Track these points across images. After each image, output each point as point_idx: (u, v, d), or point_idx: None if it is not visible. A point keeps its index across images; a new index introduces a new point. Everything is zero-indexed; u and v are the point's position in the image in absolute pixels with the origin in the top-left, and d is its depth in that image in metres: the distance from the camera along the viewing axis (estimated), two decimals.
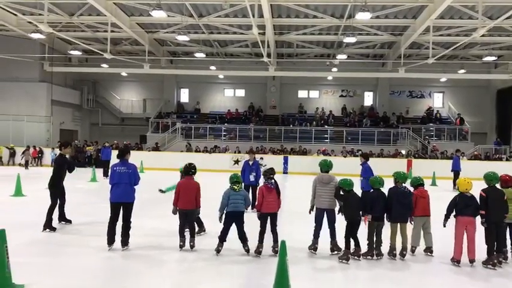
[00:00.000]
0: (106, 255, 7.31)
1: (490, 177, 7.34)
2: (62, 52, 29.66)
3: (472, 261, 7.18)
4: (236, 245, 7.48)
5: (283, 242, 5.46)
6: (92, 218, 10.32)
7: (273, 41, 25.91)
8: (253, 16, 18.91)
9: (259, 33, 20.96)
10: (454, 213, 7.31)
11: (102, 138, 28.42)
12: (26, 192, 13.79)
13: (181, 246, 7.59)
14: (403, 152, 27.34)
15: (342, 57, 27.50)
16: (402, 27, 24.25)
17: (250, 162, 12.12)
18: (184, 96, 35.37)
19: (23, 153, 25.22)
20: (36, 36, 22.15)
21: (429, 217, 7.76)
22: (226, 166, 23.89)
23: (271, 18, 21.56)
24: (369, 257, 7.40)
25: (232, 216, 7.38)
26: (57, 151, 10.39)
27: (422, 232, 7.78)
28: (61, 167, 9.35)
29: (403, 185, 7.68)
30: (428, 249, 7.76)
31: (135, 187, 7.74)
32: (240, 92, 34.65)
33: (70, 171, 9.55)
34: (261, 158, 24.16)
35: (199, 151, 27.21)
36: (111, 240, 7.54)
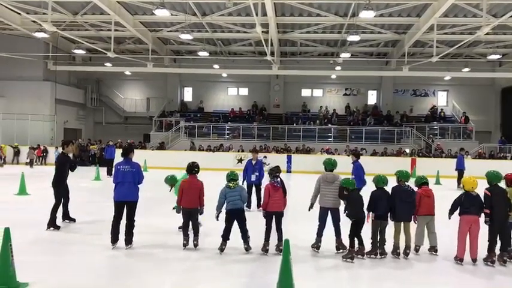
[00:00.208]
0: (110, 254, 7.33)
1: (493, 177, 7.31)
2: (65, 51, 29.74)
3: (474, 260, 7.18)
4: (240, 243, 7.49)
5: (286, 241, 5.45)
6: (95, 216, 10.34)
7: (277, 40, 25.88)
8: (257, 14, 18.90)
9: (262, 32, 20.96)
10: (458, 211, 7.29)
11: (105, 136, 28.47)
12: (30, 191, 13.83)
13: (184, 245, 7.59)
14: (407, 150, 27.26)
15: (345, 55, 27.46)
16: (406, 25, 24.15)
17: (253, 162, 12.10)
18: (188, 95, 35.39)
19: (30, 151, 25.31)
20: (40, 35, 22.19)
21: (433, 216, 7.72)
22: (230, 165, 23.87)
23: (274, 17, 21.52)
24: (373, 256, 7.39)
25: (232, 214, 7.39)
26: (60, 150, 10.42)
27: (426, 231, 7.76)
28: (63, 166, 9.37)
29: (407, 183, 7.66)
30: (433, 249, 7.73)
31: (139, 186, 7.74)
32: (244, 91, 34.65)
33: (72, 170, 9.57)
34: (265, 157, 24.13)
35: (203, 150, 27.22)
36: (114, 239, 7.55)
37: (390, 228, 7.54)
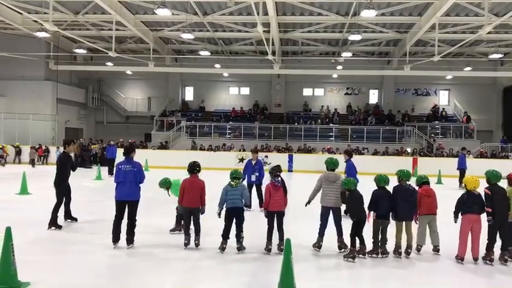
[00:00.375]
0: (111, 253, 7.33)
1: (492, 176, 7.31)
2: (67, 50, 29.75)
3: (476, 259, 7.20)
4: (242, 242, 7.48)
5: (288, 240, 5.44)
6: (97, 216, 10.35)
7: (278, 39, 25.87)
8: (258, 14, 18.90)
9: (264, 31, 20.95)
10: (460, 211, 7.29)
11: (107, 136, 28.51)
12: (32, 191, 13.84)
13: (186, 245, 7.59)
14: (409, 150, 27.22)
15: (347, 55, 27.44)
16: (408, 24, 24.12)
17: (253, 162, 12.07)
18: (189, 94, 35.40)
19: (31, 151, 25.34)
20: (42, 35, 22.20)
21: (435, 215, 7.69)
22: (231, 164, 23.84)
23: (275, 16, 21.52)
24: (374, 255, 7.39)
25: (231, 213, 7.39)
26: (62, 149, 10.44)
27: (428, 230, 7.74)
28: (65, 165, 9.38)
29: (408, 183, 7.65)
30: (435, 248, 7.71)
31: (140, 185, 7.74)
32: (245, 90, 34.64)
33: (73, 170, 9.59)
34: (266, 156, 24.16)
35: (204, 149, 27.22)
36: (116, 239, 7.55)
37: (392, 227, 7.53)
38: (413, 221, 7.59)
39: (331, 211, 7.63)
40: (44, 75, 29.34)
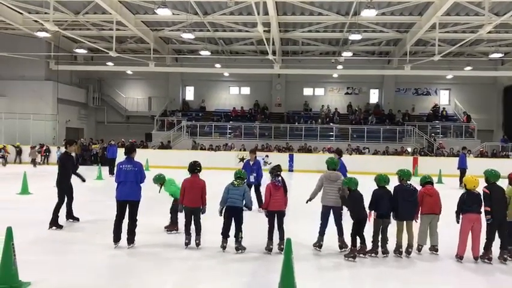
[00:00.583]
0: (112, 253, 7.34)
1: (491, 176, 7.32)
2: (67, 50, 29.77)
3: (476, 258, 7.22)
4: (242, 242, 7.49)
5: (288, 240, 5.44)
6: (97, 216, 10.36)
7: (278, 39, 25.88)
8: (258, 14, 18.90)
9: (264, 31, 20.95)
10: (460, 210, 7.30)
11: (107, 136, 28.51)
12: (33, 190, 13.86)
13: (186, 244, 7.59)
14: (409, 149, 27.21)
15: (347, 54, 27.39)
16: (408, 24, 24.11)
17: (251, 162, 12.05)
18: (190, 94, 35.41)
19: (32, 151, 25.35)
20: (42, 35, 22.21)
21: (437, 215, 7.64)
22: (232, 164, 23.86)
23: (276, 16, 21.52)
24: (373, 255, 7.39)
25: (229, 212, 7.40)
26: (63, 149, 10.45)
27: (428, 230, 7.74)
28: (66, 165, 9.39)
29: (408, 182, 7.65)
30: (433, 248, 7.71)
31: (141, 185, 7.75)
32: (245, 90, 34.64)
33: (74, 171, 9.60)
34: (266, 156, 24.18)
35: (205, 149, 27.23)
36: (117, 238, 7.56)
37: (392, 227, 7.53)
38: (413, 221, 7.59)
39: (331, 210, 7.64)
40: (44, 75, 29.34)
